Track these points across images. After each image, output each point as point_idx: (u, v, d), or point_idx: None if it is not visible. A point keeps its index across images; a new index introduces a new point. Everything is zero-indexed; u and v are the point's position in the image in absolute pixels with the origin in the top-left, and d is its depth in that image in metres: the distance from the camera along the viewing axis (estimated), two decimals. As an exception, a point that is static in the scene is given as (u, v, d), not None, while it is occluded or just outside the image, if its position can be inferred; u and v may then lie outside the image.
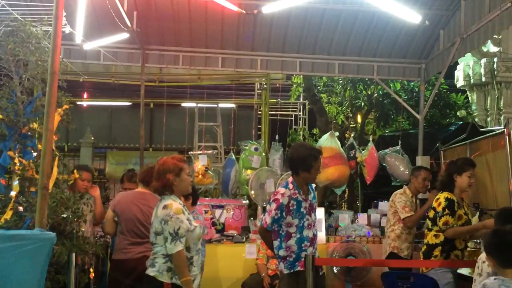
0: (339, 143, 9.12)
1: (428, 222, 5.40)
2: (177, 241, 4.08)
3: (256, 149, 9.20)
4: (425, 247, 5.40)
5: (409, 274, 5.66)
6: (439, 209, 5.21)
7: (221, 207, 8.46)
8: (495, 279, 3.51)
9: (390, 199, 6.89)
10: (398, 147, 9.17)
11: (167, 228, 4.11)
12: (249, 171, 9.01)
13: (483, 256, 4.14)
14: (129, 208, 5.55)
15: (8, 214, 4.56)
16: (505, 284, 3.44)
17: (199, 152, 9.66)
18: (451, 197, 5.25)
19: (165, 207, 4.18)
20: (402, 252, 6.58)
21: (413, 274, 5.63)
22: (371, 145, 9.26)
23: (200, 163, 9.02)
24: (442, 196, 5.27)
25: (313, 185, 5.11)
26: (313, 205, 4.99)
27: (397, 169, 8.99)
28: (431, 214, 5.35)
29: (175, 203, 4.22)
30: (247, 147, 9.19)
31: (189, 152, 10.62)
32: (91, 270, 5.48)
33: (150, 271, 4.18)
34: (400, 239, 6.62)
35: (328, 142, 9.00)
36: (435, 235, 5.26)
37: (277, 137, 9.45)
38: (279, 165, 9.10)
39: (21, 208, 4.73)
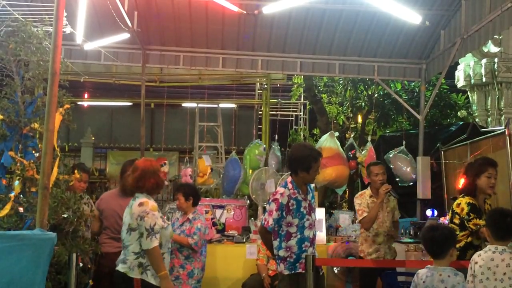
0: (338, 143, 9.12)
1: (455, 227, 5.09)
2: (153, 236, 4.26)
3: (265, 148, 9.30)
4: None
5: (411, 274, 5.64)
6: (463, 214, 4.99)
7: (222, 207, 8.47)
8: (426, 268, 4.15)
9: None
10: (403, 147, 9.18)
11: (143, 224, 4.29)
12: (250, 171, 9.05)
13: (475, 257, 4.15)
14: (110, 204, 5.74)
15: (2, 213, 4.56)
16: (431, 271, 4.08)
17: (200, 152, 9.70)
18: (473, 201, 5.03)
19: (141, 204, 4.36)
20: (369, 255, 6.17)
21: (414, 274, 5.61)
22: (369, 145, 9.26)
23: (206, 163, 9.07)
24: (464, 202, 5.05)
25: (312, 185, 5.09)
26: (312, 205, 4.97)
27: (402, 170, 9.01)
28: (456, 219, 5.08)
29: (150, 201, 4.41)
30: (253, 146, 9.23)
31: (193, 152, 10.64)
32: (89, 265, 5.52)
33: (121, 267, 4.36)
34: (366, 242, 6.24)
35: (327, 142, 9.01)
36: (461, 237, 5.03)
37: (276, 137, 9.51)
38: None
39: (21, 209, 4.73)
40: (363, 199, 6.24)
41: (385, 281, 5.71)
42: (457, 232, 5.14)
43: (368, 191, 6.34)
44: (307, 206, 4.91)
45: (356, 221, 6.39)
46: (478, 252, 4.21)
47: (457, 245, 5.03)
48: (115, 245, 5.49)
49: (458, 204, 5.12)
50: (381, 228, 6.17)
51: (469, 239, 5.06)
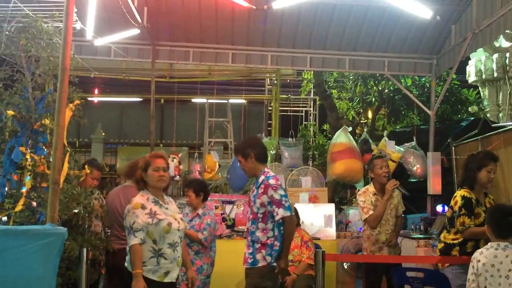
0: (351, 137, 9.12)
1: (446, 221, 5.20)
2: (131, 235, 4.25)
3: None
4: (442, 244, 5.21)
5: (420, 270, 5.64)
6: (456, 208, 4.99)
7: (232, 202, 8.49)
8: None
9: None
10: (414, 143, 9.16)
11: (125, 222, 4.33)
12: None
13: (477, 255, 4.11)
14: (113, 201, 5.81)
15: (17, 208, 4.61)
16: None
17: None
18: (469, 194, 5.01)
19: (131, 202, 4.39)
20: (373, 253, 6.02)
21: (423, 270, 5.61)
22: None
23: (214, 159, 9.11)
24: (459, 194, 5.05)
25: (261, 182, 4.83)
26: (252, 200, 4.88)
27: (414, 166, 8.98)
28: (448, 213, 5.15)
29: (138, 198, 4.40)
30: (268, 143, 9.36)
31: (202, 148, 10.68)
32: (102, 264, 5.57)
33: (126, 262, 4.35)
34: (369, 240, 6.07)
35: (339, 137, 9.03)
36: (454, 234, 5.07)
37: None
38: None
39: (34, 204, 4.77)
40: (366, 196, 6.05)
41: (394, 277, 5.70)
42: (447, 228, 5.15)
43: (371, 188, 6.14)
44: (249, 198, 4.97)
45: (362, 219, 6.12)
46: (479, 250, 4.16)
47: (456, 240, 5.04)
48: (117, 243, 5.58)
49: (454, 197, 5.11)
50: (384, 226, 6.02)
51: (460, 238, 5.02)
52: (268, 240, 4.73)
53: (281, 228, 4.73)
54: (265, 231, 4.74)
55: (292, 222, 4.83)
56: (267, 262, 4.69)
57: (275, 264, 4.71)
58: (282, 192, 4.74)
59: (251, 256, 4.75)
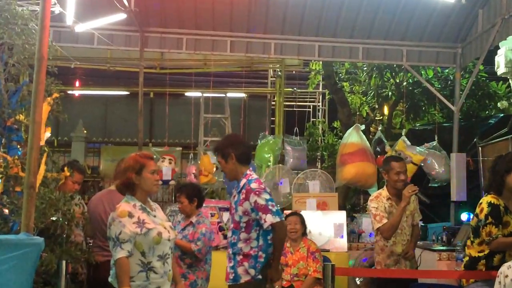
0: (363, 137, 9.11)
1: (470, 231, 5.16)
2: (117, 247, 4.14)
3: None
4: (467, 258, 5.16)
5: (442, 286, 5.63)
6: (481, 216, 4.93)
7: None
8: None
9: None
10: (435, 143, 9.13)
11: (110, 233, 4.21)
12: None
13: (504, 269, 4.09)
14: (96, 207, 5.80)
15: None
16: None
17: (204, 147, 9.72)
18: (496, 201, 4.95)
19: (116, 209, 4.27)
20: (388, 267, 5.83)
21: (445, 286, 5.61)
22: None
23: (211, 161, 9.10)
24: (485, 201, 4.99)
25: (242, 187, 4.81)
26: (233, 206, 4.87)
27: (434, 168, 8.95)
28: (473, 222, 5.11)
29: (124, 205, 4.28)
30: (272, 142, 9.33)
31: (197, 148, 10.68)
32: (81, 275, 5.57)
33: (110, 277, 4.28)
34: (384, 252, 5.89)
35: (350, 137, 9.00)
36: (479, 246, 5.01)
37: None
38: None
39: (6, 211, 4.75)
40: (379, 202, 5.88)
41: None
42: (471, 239, 5.12)
43: (384, 192, 5.97)
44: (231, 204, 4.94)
45: (373, 229, 5.98)
46: (507, 264, 4.13)
47: (482, 253, 5.02)
48: (101, 254, 5.55)
49: (480, 204, 5.06)
50: (399, 236, 5.87)
51: (487, 250, 4.99)
52: (251, 250, 4.71)
53: (268, 237, 4.70)
54: (248, 241, 4.72)
55: (283, 228, 4.79)
56: (251, 276, 4.67)
57: (260, 277, 4.66)
58: (267, 196, 4.67)
59: (233, 271, 4.77)
